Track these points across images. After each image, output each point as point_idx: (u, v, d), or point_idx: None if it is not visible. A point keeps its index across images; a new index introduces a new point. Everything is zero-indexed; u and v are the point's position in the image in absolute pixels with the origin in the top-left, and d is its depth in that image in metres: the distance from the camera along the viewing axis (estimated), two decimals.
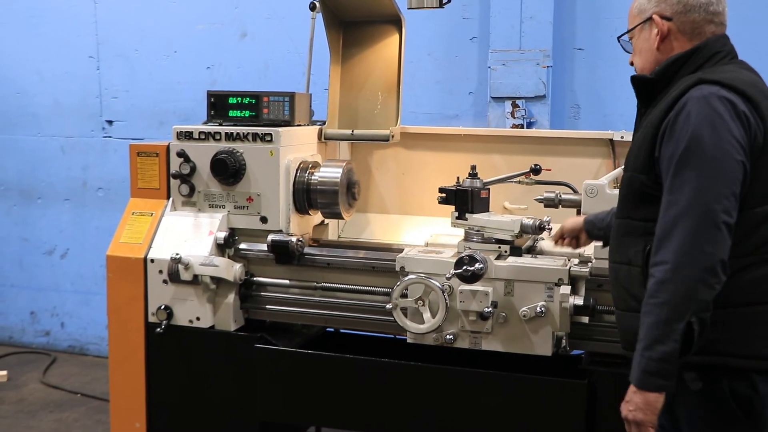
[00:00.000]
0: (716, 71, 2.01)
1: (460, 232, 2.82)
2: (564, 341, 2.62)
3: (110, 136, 5.16)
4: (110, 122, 5.16)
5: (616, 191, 2.69)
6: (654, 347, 1.90)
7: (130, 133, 5.03)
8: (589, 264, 2.64)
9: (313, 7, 3.29)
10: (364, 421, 2.84)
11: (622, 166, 2.91)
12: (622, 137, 3.10)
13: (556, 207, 2.82)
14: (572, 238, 2.61)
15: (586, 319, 2.63)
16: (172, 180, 3.04)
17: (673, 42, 2.10)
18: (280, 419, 2.97)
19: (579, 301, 2.55)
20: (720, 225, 1.86)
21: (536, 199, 2.84)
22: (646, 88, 2.12)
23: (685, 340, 1.88)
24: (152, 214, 3.06)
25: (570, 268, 2.58)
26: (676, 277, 1.87)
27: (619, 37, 2.23)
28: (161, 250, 2.96)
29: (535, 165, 2.93)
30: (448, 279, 2.56)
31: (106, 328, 3.07)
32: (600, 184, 2.64)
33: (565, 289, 2.54)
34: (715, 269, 1.86)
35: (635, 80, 2.15)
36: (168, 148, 3.04)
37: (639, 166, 2.04)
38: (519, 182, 2.99)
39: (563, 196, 2.80)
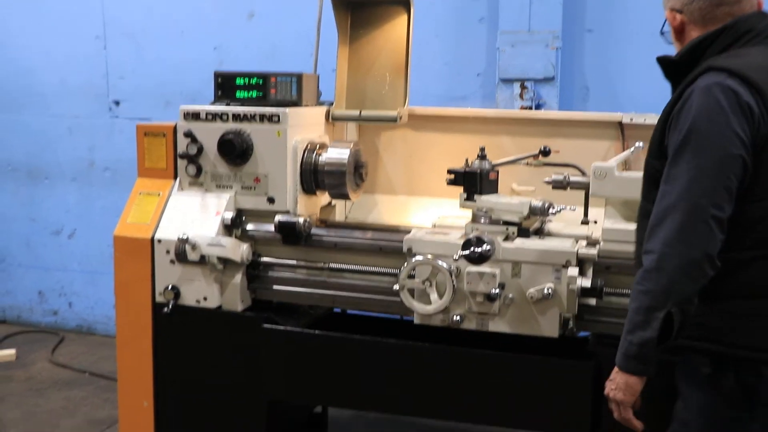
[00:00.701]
0: (732, 56, 1.98)
1: (467, 214, 2.82)
2: (571, 323, 2.63)
3: (117, 116, 5.17)
4: (117, 102, 5.16)
5: (626, 174, 2.70)
6: (635, 332, 1.95)
7: (137, 113, 5.02)
8: (597, 246, 2.65)
9: None
10: (371, 401, 2.87)
11: (631, 149, 2.94)
12: (631, 120, 3.08)
13: (565, 189, 2.82)
14: None
15: (593, 301, 2.63)
16: (179, 160, 3.04)
17: (690, 33, 2.09)
18: (287, 399, 2.99)
19: (586, 283, 2.56)
20: (708, 220, 1.87)
21: (545, 181, 2.84)
22: (671, 70, 2.11)
23: (665, 328, 1.92)
24: (159, 194, 3.07)
25: (578, 250, 2.58)
26: (660, 267, 1.90)
27: (662, 32, 2.21)
28: (168, 231, 2.97)
29: (544, 147, 2.93)
30: (456, 260, 2.56)
31: (114, 308, 3.09)
32: (609, 166, 2.63)
33: (573, 271, 2.54)
34: (700, 263, 1.88)
35: (660, 61, 2.14)
36: (175, 128, 3.04)
37: (653, 152, 2.07)
38: (527, 164, 2.99)
39: (572, 179, 2.80)
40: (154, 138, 3.08)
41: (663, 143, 2.01)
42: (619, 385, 2.02)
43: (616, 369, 2.03)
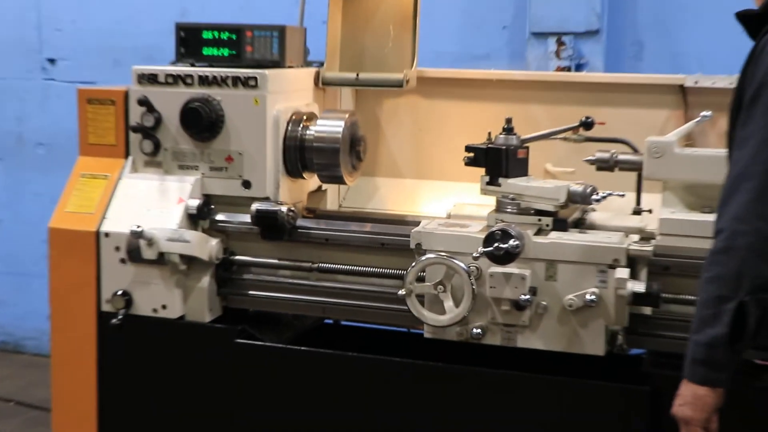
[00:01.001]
0: None
1: (491, 201, 2.83)
2: (620, 338, 2.64)
3: (53, 79, 5.18)
4: (52, 61, 5.17)
5: (689, 151, 2.71)
6: (702, 330, 1.98)
7: (78, 75, 5.03)
8: (653, 241, 2.66)
9: None
10: None
11: (696, 119, 2.94)
12: (696, 83, 3.09)
13: (612, 170, 2.83)
14: None
15: (648, 311, 2.65)
16: (131, 134, 3.05)
17: None
18: (265, 430, 3.00)
19: (639, 287, 2.57)
20: None
21: (586, 161, 2.85)
22: (754, 26, 2.14)
23: (739, 324, 1.94)
24: (107, 176, 3.08)
25: (628, 246, 2.60)
26: (729, 247, 1.94)
27: None
28: (118, 222, 2.98)
29: (586, 118, 2.93)
30: (476, 259, 2.57)
31: (48, 320, 3.10)
32: (667, 141, 2.65)
33: (622, 272, 2.55)
34: None
35: (740, 18, 2.17)
36: (126, 94, 3.04)
37: (731, 119, 2.10)
38: (565, 139, 3.00)
39: (620, 157, 2.81)
40: (99, 106, 3.09)
41: (740, 106, 2.05)
42: (686, 399, 2.04)
43: (683, 381, 2.06)
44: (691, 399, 2.04)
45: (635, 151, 2.91)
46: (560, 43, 4.19)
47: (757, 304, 1.94)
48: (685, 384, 2.05)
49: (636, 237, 2.70)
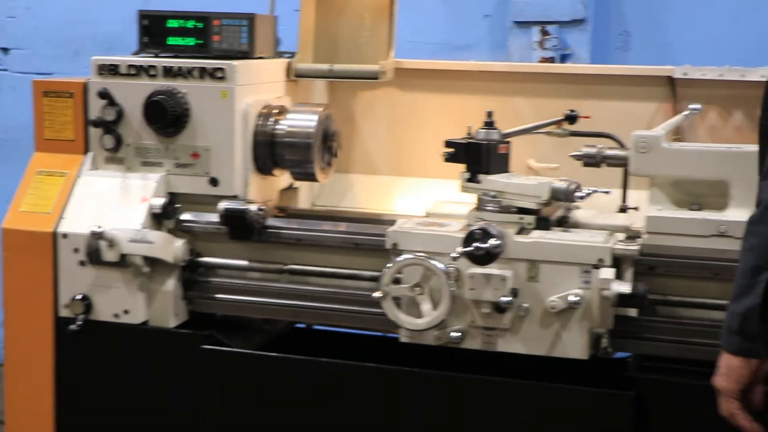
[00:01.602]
0: None
1: (471, 199, 2.86)
2: (605, 341, 2.67)
3: (5, 69, 5.15)
4: (5, 50, 5.14)
5: (678, 145, 2.74)
6: (739, 299, 2.08)
7: (34, 66, 5.01)
8: (639, 240, 2.69)
9: None
10: None
11: (685, 113, 2.98)
12: (685, 74, 3.13)
13: (599, 166, 2.86)
14: None
15: (634, 312, 2.67)
16: (91, 129, 3.05)
17: None
18: None
19: (625, 288, 2.59)
20: None
21: (572, 156, 2.88)
22: None
23: None
24: (64, 174, 3.07)
25: (613, 245, 2.63)
26: (766, 217, 2.03)
27: None
28: (77, 222, 2.97)
29: (571, 111, 2.97)
30: (455, 259, 2.60)
31: (1, 326, 3.10)
32: (654, 135, 2.68)
33: (607, 272, 2.58)
34: None
35: None
36: (86, 86, 3.04)
37: (765, 103, 2.19)
38: (548, 133, 3.02)
39: (608, 152, 2.84)
40: (57, 99, 3.09)
41: None
42: (721, 369, 2.14)
43: (721, 351, 2.15)
44: (725, 370, 2.13)
45: (621, 145, 2.94)
46: (544, 32, 4.22)
47: None
48: (722, 354, 2.15)
49: (621, 236, 2.73)
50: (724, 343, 2.14)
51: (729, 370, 2.13)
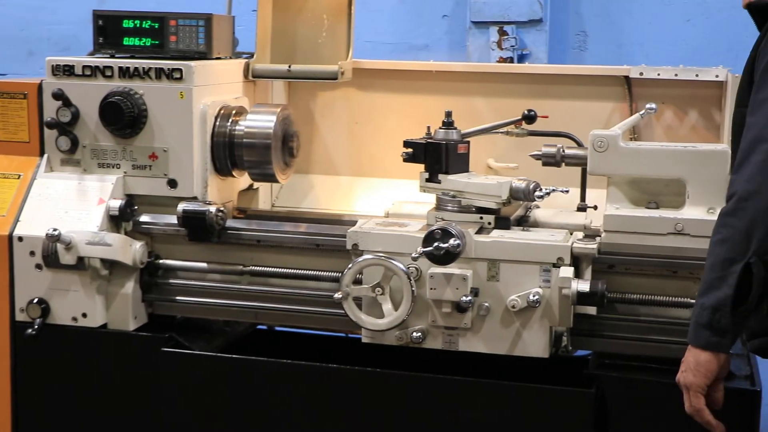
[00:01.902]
0: None
1: (431, 199, 2.86)
2: (565, 339, 2.69)
3: None
4: None
5: (634, 145, 2.76)
6: (708, 292, 2.07)
7: None
8: (597, 239, 2.71)
9: None
10: None
11: (641, 112, 3.01)
12: (641, 74, 3.16)
13: (559, 165, 2.87)
14: None
15: (593, 311, 2.69)
16: (46, 130, 3.02)
17: None
18: None
19: (584, 286, 2.60)
20: None
21: (533, 155, 2.89)
22: (764, 17, 2.24)
23: (745, 286, 2.03)
24: (19, 176, 3.05)
25: (573, 244, 2.64)
26: (739, 209, 2.03)
27: None
28: (33, 225, 2.95)
29: (529, 111, 2.98)
30: (415, 259, 2.60)
31: None
32: (611, 134, 2.69)
33: (567, 271, 2.59)
34: None
35: (751, 8, 2.27)
36: (40, 87, 3.02)
37: (743, 98, 2.20)
38: (507, 133, 3.04)
39: (567, 152, 2.85)
40: (10, 100, 3.06)
41: (752, 82, 2.14)
42: (689, 364, 2.13)
43: (688, 347, 2.14)
44: (693, 365, 2.12)
45: (579, 145, 2.95)
46: (502, 32, 4.24)
47: (764, 266, 2.03)
48: (689, 350, 2.13)
49: (580, 234, 2.75)
50: (692, 338, 2.13)
51: (697, 366, 2.12)
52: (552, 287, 2.60)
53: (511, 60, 4.21)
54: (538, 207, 2.93)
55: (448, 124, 2.84)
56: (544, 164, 2.88)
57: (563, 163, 2.86)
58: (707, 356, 2.11)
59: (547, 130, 3.02)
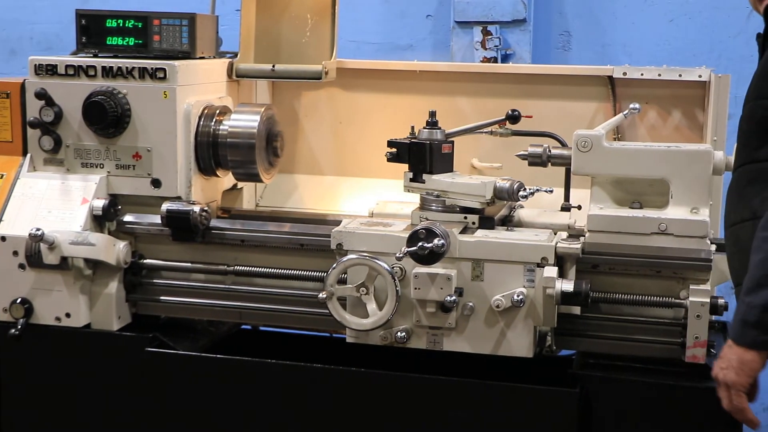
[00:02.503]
0: None
1: (415, 199, 2.86)
2: (549, 339, 2.69)
3: None
4: None
5: (618, 145, 2.76)
6: (757, 291, 2.02)
7: None
8: (582, 239, 2.71)
9: None
10: None
11: (625, 112, 3.01)
12: (624, 74, 3.17)
13: (544, 165, 2.87)
14: None
15: (577, 310, 2.69)
16: (29, 130, 3.00)
17: None
18: None
19: (568, 286, 2.60)
20: None
21: (518, 155, 2.88)
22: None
23: None
24: (2, 176, 3.04)
25: (556, 244, 2.64)
26: None
27: None
28: (16, 225, 2.94)
29: (513, 110, 2.97)
30: (399, 259, 2.59)
31: None
32: (595, 134, 2.70)
33: (551, 271, 2.59)
34: None
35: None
36: (23, 86, 3.00)
37: (763, 89, 2.14)
38: (491, 133, 3.03)
39: (553, 152, 2.84)
40: None
41: None
42: (731, 362, 2.09)
43: (728, 343, 2.10)
44: (737, 363, 2.08)
45: (563, 145, 2.96)
46: (486, 32, 4.24)
47: None
48: (731, 347, 2.09)
49: (564, 234, 2.75)
50: (737, 336, 2.08)
51: (741, 364, 2.07)
52: (536, 287, 2.60)
53: (494, 60, 4.21)
54: (522, 207, 2.94)
55: (432, 124, 2.83)
56: (531, 164, 2.87)
57: (549, 163, 2.86)
58: (752, 355, 2.07)
59: (531, 130, 3.02)
